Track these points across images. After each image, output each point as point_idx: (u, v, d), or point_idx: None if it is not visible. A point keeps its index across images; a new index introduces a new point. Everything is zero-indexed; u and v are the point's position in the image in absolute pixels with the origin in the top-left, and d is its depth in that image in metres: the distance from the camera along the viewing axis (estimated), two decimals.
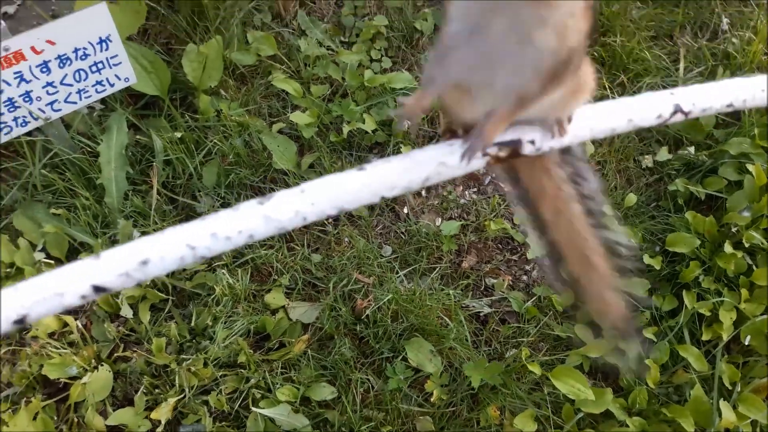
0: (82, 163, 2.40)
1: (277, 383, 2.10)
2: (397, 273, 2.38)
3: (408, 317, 2.24)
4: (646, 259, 2.32)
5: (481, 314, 2.38)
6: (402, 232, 2.55)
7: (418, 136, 2.72)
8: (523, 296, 2.43)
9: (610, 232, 1.06)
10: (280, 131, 2.57)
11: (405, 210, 2.61)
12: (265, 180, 2.54)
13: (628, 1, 3.16)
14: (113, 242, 2.31)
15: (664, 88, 2.75)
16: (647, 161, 2.76)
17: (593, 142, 2.78)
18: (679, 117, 0.94)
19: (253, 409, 2.02)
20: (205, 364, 2.09)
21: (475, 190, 2.72)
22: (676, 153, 2.71)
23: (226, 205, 2.49)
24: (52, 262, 2.25)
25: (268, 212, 0.83)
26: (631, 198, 2.56)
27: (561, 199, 1.04)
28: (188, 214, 2.48)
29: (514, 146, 0.91)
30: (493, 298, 2.43)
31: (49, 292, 0.74)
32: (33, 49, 2.00)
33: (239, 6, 2.82)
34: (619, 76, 2.93)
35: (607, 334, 1.15)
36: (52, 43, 2.03)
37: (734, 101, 0.95)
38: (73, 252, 2.32)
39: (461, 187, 2.71)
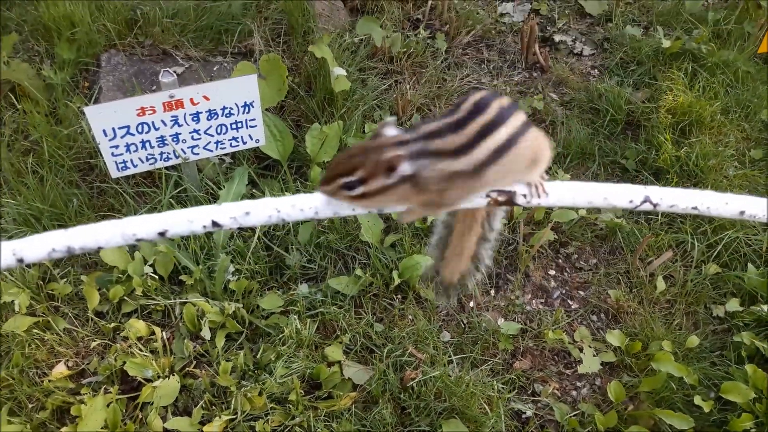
0: (203, 201, 2.82)
1: (318, 428, 2.25)
2: (450, 357, 2.52)
3: (450, 398, 2.34)
4: (697, 400, 2.31)
5: (523, 415, 2.43)
6: (463, 322, 2.70)
7: None
8: (567, 409, 2.46)
9: (484, 250, 1.38)
10: None
11: (471, 303, 2.78)
12: (349, 248, 2.83)
13: (726, 160, 3.29)
14: (210, 272, 2.65)
15: (748, 245, 2.82)
16: (718, 311, 2.78)
17: (665, 280, 2.85)
18: (647, 206, 1.14)
19: None
20: (260, 394, 2.29)
21: (543, 301, 2.84)
22: (749, 307, 2.71)
23: (311, 261, 2.78)
24: (157, 277, 2.61)
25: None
26: (694, 340, 2.57)
27: (474, 221, 1.33)
28: (278, 263, 2.79)
29: (509, 196, 1.13)
30: (539, 404, 2.49)
31: (183, 219, 1.02)
32: (191, 100, 2.48)
33: (364, 101, 3.27)
34: (704, 225, 3.02)
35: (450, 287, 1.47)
36: (207, 99, 2.50)
37: (699, 206, 1.14)
38: (176, 273, 2.68)
39: (530, 295, 2.85)
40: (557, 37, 3.85)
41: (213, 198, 2.84)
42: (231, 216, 1.02)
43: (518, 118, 1.09)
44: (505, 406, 2.38)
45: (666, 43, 3.57)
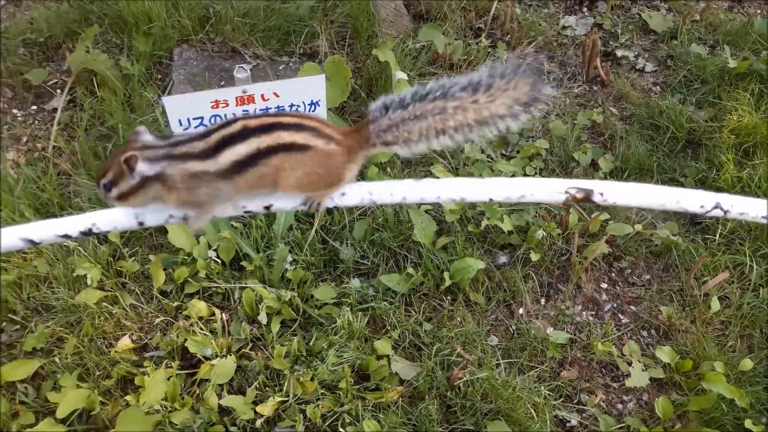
0: None
1: (365, 417, 2.31)
2: (498, 361, 2.55)
3: (497, 400, 2.37)
4: (747, 424, 2.28)
5: (568, 424, 2.44)
6: (512, 329, 2.73)
7: None
8: (612, 422, 2.46)
9: None
10: (426, 211, 2.94)
11: (520, 310, 2.80)
12: (401, 247, 2.89)
13: None
14: (269, 261, 2.76)
15: None
16: None
17: (720, 301, 2.81)
18: (718, 212, 1.17)
19: (341, 430, 2.24)
20: (312, 379, 2.37)
21: (593, 313, 2.84)
22: None
23: (364, 257, 2.86)
24: (219, 262, 2.73)
25: (420, 188, 1.15)
26: (747, 363, 2.53)
27: None
28: (332, 257, 2.88)
29: (587, 193, 1.18)
30: (584, 414, 2.49)
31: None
32: (262, 96, 2.59)
33: None
34: (764, 247, 2.96)
35: None
36: (277, 96, 2.60)
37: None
38: (236, 259, 2.79)
39: (580, 307, 2.85)
40: (619, 52, 3.84)
41: None
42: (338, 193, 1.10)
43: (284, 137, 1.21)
44: (550, 413, 2.39)
45: (732, 63, 3.53)
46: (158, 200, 1.28)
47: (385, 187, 1.13)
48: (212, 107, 2.54)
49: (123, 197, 1.25)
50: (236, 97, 2.53)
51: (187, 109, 2.50)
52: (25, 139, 3.34)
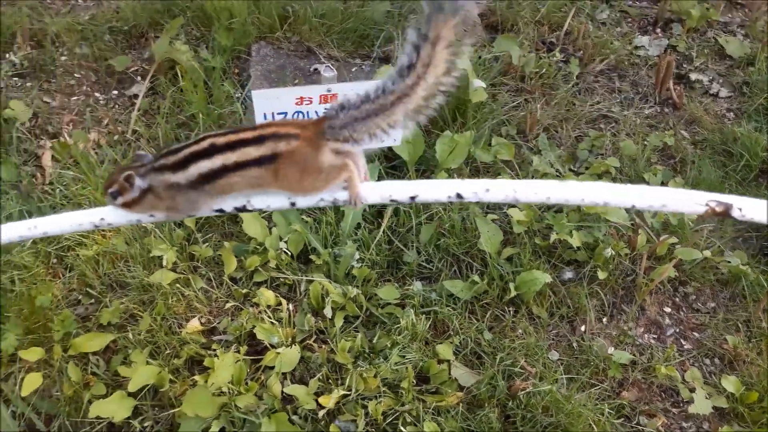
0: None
1: (425, 419, 2.34)
2: (561, 376, 2.54)
3: (558, 414, 2.37)
4: None
5: None
6: (574, 345, 2.72)
7: None
8: None
9: None
10: (493, 220, 2.95)
11: (582, 327, 2.79)
12: (466, 254, 2.91)
13: None
14: (336, 258, 2.81)
15: None
16: None
17: None
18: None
19: (402, 429, 2.27)
20: (375, 376, 2.41)
21: (655, 336, 2.81)
22: None
23: (428, 261, 2.89)
24: (289, 253, 2.80)
25: (564, 190, 1.18)
26: None
27: None
28: (396, 258, 2.92)
29: (726, 208, 1.19)
30: None
31: (432, 187, 1.20)
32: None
33: (494, 115, 3.36)
34: None
35: None
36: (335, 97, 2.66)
37: None
38: (304, 252, 2.85)
39: (642, 329, 2.82)
40: (693, 76, 3.79)
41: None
42: (473, 191, 1.14)
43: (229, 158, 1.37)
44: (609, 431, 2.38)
45: None
46: (156, 209, 1.52)
47: (530, 186, 1.16)
48: (296, 103, 2.61)
49: (127, 205, 1.50)
50: (320, 95, 2.60)
51: (272, 103, 2.58)
52: (106, 121, 3.48)
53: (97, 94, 3.64)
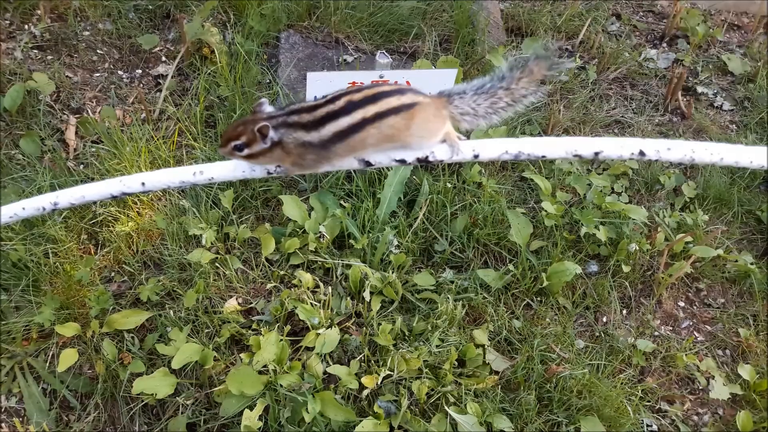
0: (372, 177, 3.04)
1: (467, 401, 2.40)
2: (590, 362, 2.65)
3: (591, 396, 2.47)
4: None
5: (649, 427, 2.55)
6: (597, 335, 2.84)
7: None
8: (690, 431, 2.57)
9: None
10: (522, 213, 3.05)
11: (604, 318, 2.91)
12: (497, 244, 3.00)
13: None
14: (375, 243, 2.86)
15: None
16: None
17: None
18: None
19: (446, 408, 2.33)
20: (418, 357, 2.46)
21: (671, 328, 2.95)
22: None
23: (461, 251, 2.97)
24: (327, 237, 2.83)
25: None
26: None
27: None
28: (428, 247, 2.98)
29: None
30: (662, 421, 2.60)
31: (614, 144, 1.32)
32: (396, 83, 2.71)
33: (524, 112, 3.46)
34: None
35: None
36: (409, 84, 2.72)
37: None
38: (341, 237, 2.89)
39: (659, 321, 2.96)
40: (699, 89, 3.99)
41: (379, 176, 3.05)
42: (656, 149, 1.21)
43: (369, 110, 1.43)
44: (635, 415, 2.49)
45: None
46: (279, 161, 1.54)
47: (706, 148, 1.23)
48: (348, 88, 2.65)
49: (253, 157, 1.52)
50: (372, 81, 2.65)
51: (325, 86, 2.62)
52: (131, 99, 3.44)
53: (120, 72, 3.60)
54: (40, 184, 2.82)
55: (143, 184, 1.50)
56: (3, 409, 2.35)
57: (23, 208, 1.55)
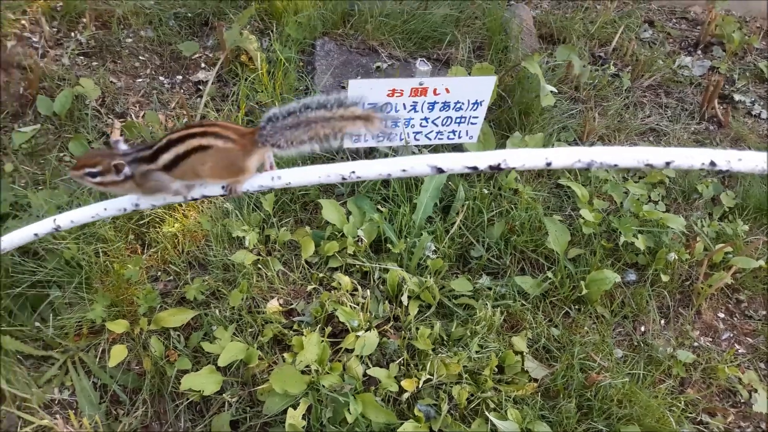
0: (408, 183, 3.07)
1: (507, 407, 2.42)
2: (629, 370, 2.64)
3: (631, 406, 2.47)
4: None
5: None
6: (635, 345, 2.83)
7: None
8: None
9: None
10: (560, 220, 3.06)
11: (642, 328, 2.90)
12: (534, 251, 3.01)
13: None
14: (411, 248, 2.89)
15: None
16: None
17: None
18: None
19: (487, 414, 2.35)
20: (458, 362, 2.48)
21: (710, 339, 2.93)
22: None
23: (497, 257, 2.98)
24: (365, 241, 2.87)
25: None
26: None
27: None
28: (465, 252, 3.01)
29: None
30: None
31: (684, 154, 1.30)
32: (434, 90, 2.75)
33: (554, 120, 3.48)
34: None
35: None
36: (448, 91, 2.75)
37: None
38: (377, 242, 2.92)
39: (698, 332, 2.94)
40: (736, 97, 3.96)
41: (418, 181, 3.09)
42: (726, 159, 1.23)
43: (180, 149, 1.62)
44: (678, 425, 2.48)
45: None
46: (130, 191, 1.76)
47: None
48: (388, 95, 2.70)
49: (103, 185, 1.71)
50: (412, 88, 2.69)
51: (367, 94, 2.66)
52: (172, 105, 3.53)
53: (161, 78, 3.69)
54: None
55: (223, 187, 1.56)
56: (57, 401, 2.42)
57: (105, 209, 1.67)
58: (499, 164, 1.38)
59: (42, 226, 1.72)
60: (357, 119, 1.59)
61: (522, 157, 1.39)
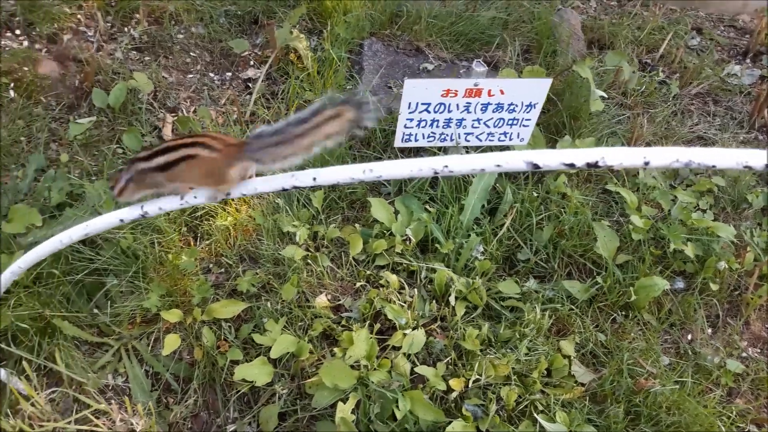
0: (456, 184, 3.08)
1: (555, 410, 2.41)
2: (677, 378, 2.62)
3: (680, 414, 2.45)
4: None
5: None
6: (682, 353, 2.80)
7: None
8: None
9: None
10: (608, 226, 3.04)
11: (689, 336, 2.87)
12: (582, 256, 3.00)
13: None
14: (458, 249, 2.90)
15: None
16: None
17: None
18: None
19: (535, 415, 2.35)
20: (507, 364, 2.49)
21: (759, 350, 2.89)
22: None
23: (545, 261, 2.98)
24: (413, 240, 2.88)
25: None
26: None
27: None
28: (512, 255, 3.01)
29: None
30: None
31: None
32: (489, 92, 2.75)
33: (603, 126, 3.46)
34: None
35: None
36: (502, 93, 2.76)
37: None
38: (424, 241, 2.94)
39: (746, 343, 2.90)
40: None
41: (467, 184, 3.10)
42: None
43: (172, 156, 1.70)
44: None
45: None
46: (136, 191, 1.83)
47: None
48: (442, 95, 2.72)
49: (119, 193, 1.80)
50: (466, 89, 2.71)
51: (422, 93, 2.69)
52: (222, 101, 3.59)
53: (211, 74, 3.75)
54: None
55: (314, 179, 1.57)
56: (111, 387, 2.47)
57: (194, 197, 1.77)
58: (597, 162, 1.38)
59: (129, 212, 1.76)
60: (329, 119, 1.63)
61: (620, 155, 1.37)
